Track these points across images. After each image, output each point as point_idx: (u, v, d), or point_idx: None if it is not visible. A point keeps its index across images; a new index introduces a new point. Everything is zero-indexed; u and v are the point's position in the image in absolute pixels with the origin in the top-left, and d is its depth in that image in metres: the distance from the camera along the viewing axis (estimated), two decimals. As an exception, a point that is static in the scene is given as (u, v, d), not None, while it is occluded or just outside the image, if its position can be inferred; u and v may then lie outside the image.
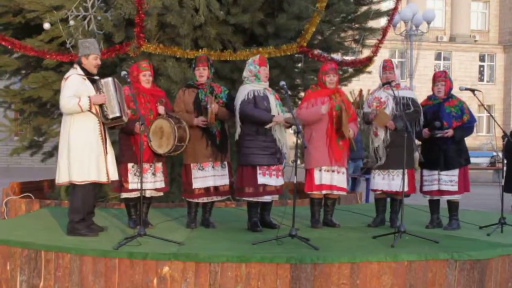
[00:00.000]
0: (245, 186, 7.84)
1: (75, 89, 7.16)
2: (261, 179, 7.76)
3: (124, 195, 7.91)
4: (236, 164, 8.17)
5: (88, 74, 7.31)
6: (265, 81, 7.88)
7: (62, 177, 7.30)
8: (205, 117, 7.73)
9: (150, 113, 7.77)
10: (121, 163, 7.83)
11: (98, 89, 7.27)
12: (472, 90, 8.53)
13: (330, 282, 6.35)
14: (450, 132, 8.15)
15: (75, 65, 7.37)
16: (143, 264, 6.40)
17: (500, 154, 26.25)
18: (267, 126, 7.63)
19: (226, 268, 6.31)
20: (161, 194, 8.14)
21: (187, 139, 7.71)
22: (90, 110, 7.19)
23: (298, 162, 7.25)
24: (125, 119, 7.40)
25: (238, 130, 7.85)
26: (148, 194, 7.89)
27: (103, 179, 7.39)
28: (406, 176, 8.08)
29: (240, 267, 6.31)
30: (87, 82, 7.27)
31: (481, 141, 42.35)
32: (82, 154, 7.21)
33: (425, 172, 8.39)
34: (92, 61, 7.35)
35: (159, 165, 7.93)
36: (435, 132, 8.17)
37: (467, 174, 8.39)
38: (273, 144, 7.77)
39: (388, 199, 8.58)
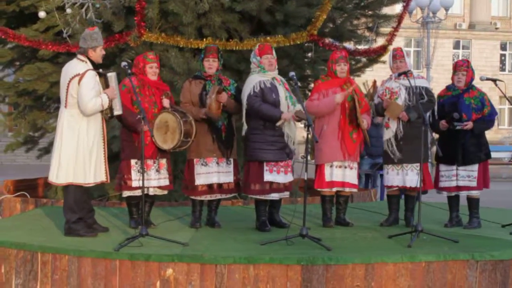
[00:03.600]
0: (251, 183, 7.83)
1: (94, 88, 7.21)
2: (267, 176, 7.74)
3: (127, 193, 7.89)
4: (243, 160, 8.17)
5: (94, 66, 7.34)
6: (272, 69, 7.82)
7: (62, 177, 7.30)
8: (206, 109, 7.73)
9: (155, 106, 7.78)
10: (123, 159, 7.85)
11: (106, 83, 7.32)
12: (494, 80, 8.51)
13: (343, 284, 6.35)
14: (469, 125, 8.10)
15: (83, 57, 7.33)
16: (145, 266, 6.41)
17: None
18: (278, 124, 7.58)
19: (233, 270, 6.31)
20: (166, 192, 8.14)
21: (193, 134, 7.69)
22: None
23: (309, 157, 7.23)
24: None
25: (245, 125, 7.84)
26: (151, 192, 7.88)
27: (103, 178, 7.49)
28: (421, 171, 8.08)
29: (248, 268, 6.31)
30: (97, 78, 7.31)
31: (503, 134, 42.27)
32: (91, 156, 7.30)
33: (442, 167, 8.35)
34: (99, 53, 7.40)
35: (163, 161, 7.93)
36: (454, 124, 8.12)
37: (487, 169, 8.35)
38: (282, 138, 7.74)
39: (402, 196, 8.56)
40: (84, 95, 7.13)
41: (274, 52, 7.91)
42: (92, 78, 7.22)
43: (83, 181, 7.31)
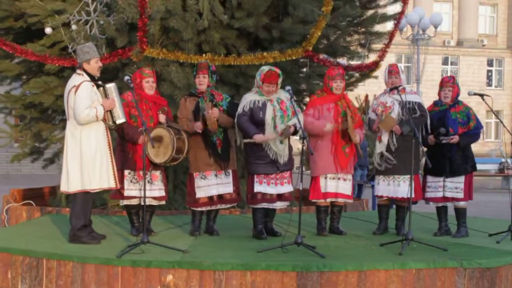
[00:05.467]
0: (247, 193, 7.95)
1: (89, 98, 7.20)
2: (257, 187, 7.79)
3: (124, 202, 7.92)
4: (241, 171, 8.19)
5: (92, 79, 7.35)
6: (268, 96, 7.79)
7: (72, 185, 7.30)
8: (204, 125, 7.75)
9: (151, 121, 7.79)
10: (117, 170, 7.83)
11: (105, 94, 7.33)
12: (481, 95, 8.52)
13: (336, 291, 6.35)
14: (456, 139, 8.13)
15: (80, 71, 7.36)
16: (146, 272, 6.41)
17: (509, 161, 26.29)
18: (245, 141, 7.65)
19: (231, 276, 6.31)
20: (162, 202, 8.15)
21: (185, 151, 7.74)
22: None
23: (304, 168, 7.25)
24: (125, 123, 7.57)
25: (238, 139, 7.90)
26: (146, 202, 7.85)
27: (112, 185, 7.46)
28: (413, 182, 8.09)
29: (245, 275, 6.31)
30: (95, 89, 7.31)
31: (490, 147, 42.28)
32: (95, 162, 7.28)
33: (429, 178, 8.39)
34: (94, 65, 7.40)
35: (157, 173, 7.94)
36: (440, 138, 8.17)
37: (472, 181, 8.38)
38: (269, 153, 7.76)
39: (393, 206, 8.57)
40: (78, 105, 7.14)
41: (279, 80, 7.78)
42: (86, 89, 7.22)
43: (89, 187, 7.31)
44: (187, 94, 8.23)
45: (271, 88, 7.78)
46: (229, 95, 8.31)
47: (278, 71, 7.83)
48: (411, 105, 8.12)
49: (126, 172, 7.85)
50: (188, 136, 7.80)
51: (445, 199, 8.28)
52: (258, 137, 7.62)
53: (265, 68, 7.86)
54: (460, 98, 8.44)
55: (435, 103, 8.46)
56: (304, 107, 8.83)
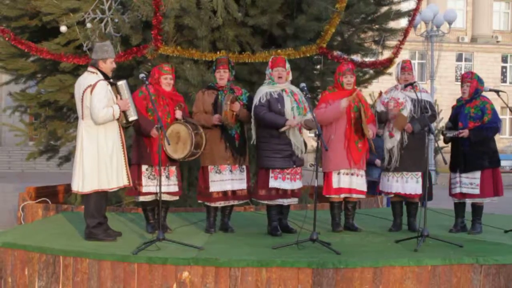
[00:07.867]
0: (258, 189, 7.90)
1: (106, 97, 7.21)
2: (273, 183, 7.77)
3: (140, 198, 7.93)
4: (254, 168, 8.19)
5: (105, 78, 7.37)
6: (281, 82, 7.84)
7: (88, 185, 7.31)
8: (221, 116, 7.76)
9: (168, 116, 7.81)
10: (134, 165, 7.87)
11: (118, 93, 7.35)
12: (497, 91, 8.51)
13: (352, 287, 6.35)
14: (465, 133, 8.07)
15: (93, 69, 7.37)
16: (162, 269, 6.44)
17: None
18: (281, 130, 7.63)
19: (246, 273, 6.33)
20: (176, 198, 8.16)
21: (202, 146, 7.75)
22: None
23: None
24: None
25: (253, 134, 7.90)
26: (162, 197, 7.88)
27: (126, 182, 7.49)
28: (420, 179, 8.09)
29: (261, 272, 6.33)
30: (109, 87, 7.33)
31: (504, 143, 42.14)
32: (112, 161, 7.31)
33: (451, 175, 8.38)
34: (109, 65, 7.42)
35: (173, 168, 7.95)
36: (444, 132, 8.17)
37: (498, 176, 8.25)
38: (288, 147, 7.75)
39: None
40: (95, 105, 7.15)
41: (286, 65, 7.92)
42: (103, 88, 7.23)
43: (107, 187, 7.33)
44: (205, 88, 8.23)
45: (282, 73, 7.83)
46: (247, 91, 8.33)
47: (283, 57, 8.05)
48: (423, 104, 8.11)
49: (144, 168, 7.85)
50: (205, 130, 7.82)
51: (462, 195, 8.25)
52: (290, 122, 7.62)
53: (269, 58, 8.05)
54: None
55: (457, 100, 8.45)
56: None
